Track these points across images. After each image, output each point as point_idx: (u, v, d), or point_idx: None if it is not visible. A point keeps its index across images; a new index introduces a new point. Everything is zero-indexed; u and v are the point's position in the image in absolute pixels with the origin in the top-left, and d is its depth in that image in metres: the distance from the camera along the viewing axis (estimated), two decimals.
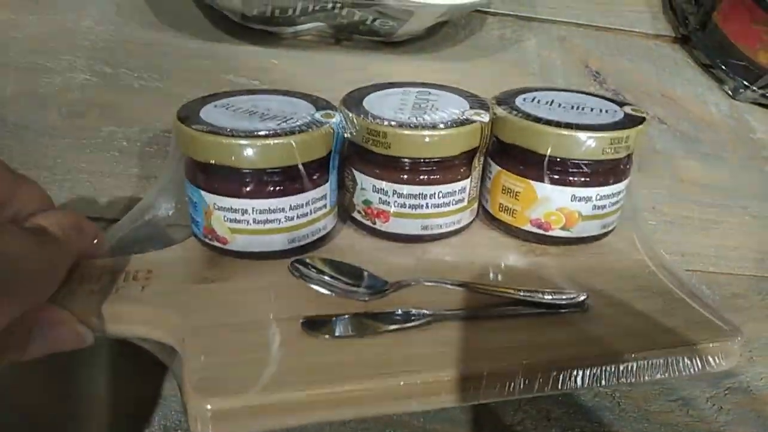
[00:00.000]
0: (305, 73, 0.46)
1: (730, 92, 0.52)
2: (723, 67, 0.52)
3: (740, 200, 0.47)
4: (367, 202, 0.35)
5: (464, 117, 0.34)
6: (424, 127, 0.32)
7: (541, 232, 0.36)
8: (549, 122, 0.34)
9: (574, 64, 0.51)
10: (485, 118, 0.34)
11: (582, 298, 0.31)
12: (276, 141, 0.30)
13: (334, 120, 0.32)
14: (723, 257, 0.45)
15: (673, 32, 0.55)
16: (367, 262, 0.33)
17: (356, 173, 0.35)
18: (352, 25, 0.44)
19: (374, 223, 0.36)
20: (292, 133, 0.30)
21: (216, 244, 0.33)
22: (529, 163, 0.35)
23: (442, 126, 0.33)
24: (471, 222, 0.38)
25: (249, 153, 0.29)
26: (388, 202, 0.34)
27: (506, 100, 0.37)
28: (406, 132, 0.32)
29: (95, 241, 0.30)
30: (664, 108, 0.50)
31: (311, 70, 0.46)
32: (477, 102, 0.36)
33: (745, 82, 0.51)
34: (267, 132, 0.30)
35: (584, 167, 0.34)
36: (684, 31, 0.54)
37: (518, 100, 0.37)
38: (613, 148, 0.33)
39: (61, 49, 0.43)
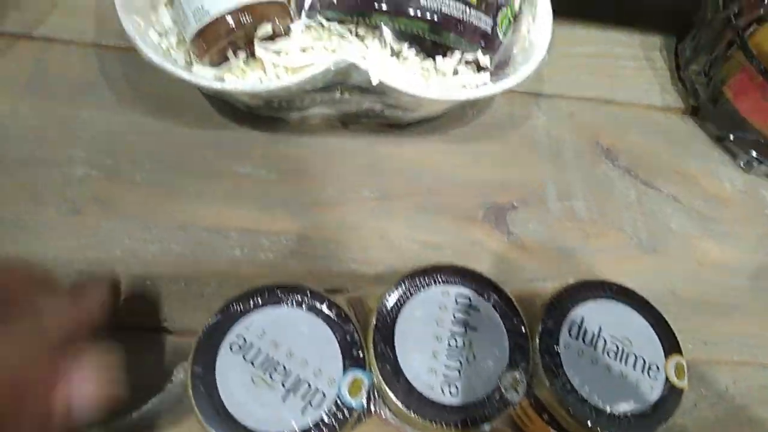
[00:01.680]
0: (312, 159, 0.45)
1: (743, 166, 0.51)
2: (735, 140, 0.51)
3: (760, 281, 0.46)
4: None
5: (498, 396, 0.30)
6: None
7: None
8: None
9: (585, 141, 0.50)
10: (516, 397, 0.30)
11: None
12: None
13: (360, 400, 0.29)
14: (747, 345, 0.44)
15: (683, 104, 0.54)
16: None
17: None
18: (360, 112, 0.43)
19: None
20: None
21: None
22: None
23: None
24: None
25: None
26: None
27: (551, 334, 0.33)
28: None
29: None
30: (677, 185, 0.49)
31: (318, 156, 0.45)
32: (517, 345, 0.32)
33: (759, 157, 0.50)
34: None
35: None
36: (694, 102, 0.53)
37: (563, 339, 0.33)
38: None
39: (59, 141, 0.42)
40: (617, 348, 0.32)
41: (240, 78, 0.36)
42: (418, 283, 0.32)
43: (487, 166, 0.47)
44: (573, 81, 0.53)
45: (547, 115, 0.51)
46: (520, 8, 0.38)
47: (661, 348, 0.33)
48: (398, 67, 0.37)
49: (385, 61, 0.37)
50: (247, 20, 0.35)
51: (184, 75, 0.34)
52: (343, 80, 0.35)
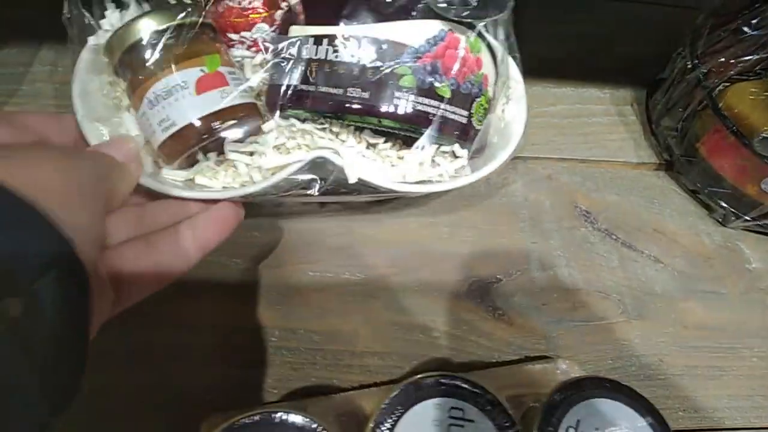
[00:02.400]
0: (289, 244, 0.43)
1: (719, 219, 0.52)
2: (710, 194, 0.51)
3: (745, 340, 0.46)
4: None
5: None
6: None
7: None
8: None
9: (564, 205, 0.50)
10: None
11: None
12: None
13: None
14: (735, 408, 0.44)
15: (657, 159, 0.54)
16: None
17: None
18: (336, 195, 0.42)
19: None
20: None
21: None
22: None
23: None
24: None
25: None
26: None
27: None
28: None
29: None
30: (657, 245, 0.49)
31: (295, 240, 0.44)
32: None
33: (735, 211, 0.50)
34: None
35: None
36: (667, 157, 0.53)
37: None
38: None
39: None
40: None
41: (212, 179, 0.35)
42: (409, 399, 0.31)
43: (468, 237, 0.47)
44: (548, 142, 0.53)
45: (524, 178, 0.51)
46: (494, 93, 0.38)
47: None
48: (375, 160, 0.36)
49: (361, 157, 0.36)
50: (217, 125, 0.33)
51: (153, 184, 0.32)
52: (319, 176, 0.34)
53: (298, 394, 0.39)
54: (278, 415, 0.30)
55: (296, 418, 0.29)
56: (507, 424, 0.31)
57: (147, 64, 0.33)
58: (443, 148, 0.37)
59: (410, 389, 0.32)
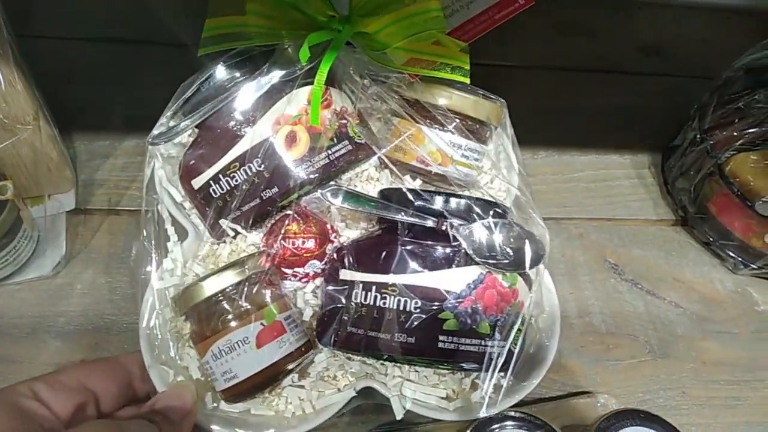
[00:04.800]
0: None
1: (731, 268, 0.60)
2: (721, 246, 0.59)
3: (758, 373, 0.54)
4: None
5: None
6: None
7: None
8: None
9: (595, 260, 0.58)
10: None
11: None
12: None
13: None
14: None
15: (673, 216, 0.62)
16: None
17: None
18: None
19: None
20: None
21: None
22: None
23: None
24: None
25: None
26: None
27: None
28: None
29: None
30: (677, 292, 0.57)
31: None
32: None
33: (744, 260, 0.58)
34: None
35: None
36: (682, 214, 0.62)
37: None
38: None
39: None
40: None
41: (264, 409, 0.39)
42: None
43: None
44: (578, 204, 0.61)
45: (560, 237, 0.59)
46: (529, 312, 0.39)
47: None
48: (418, 382, 0.39)
49: (405, 381, 0.39)
50: (277, 372, 0.37)
51: (214, 427, 0.37)
52: (364, 401, 0.40)
53: None
54: None
55: None
56: None
57: (212, 321, 0.36)
58: (484, 374, 0.37)
59: (484, 422, 0.40)
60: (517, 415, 0.40)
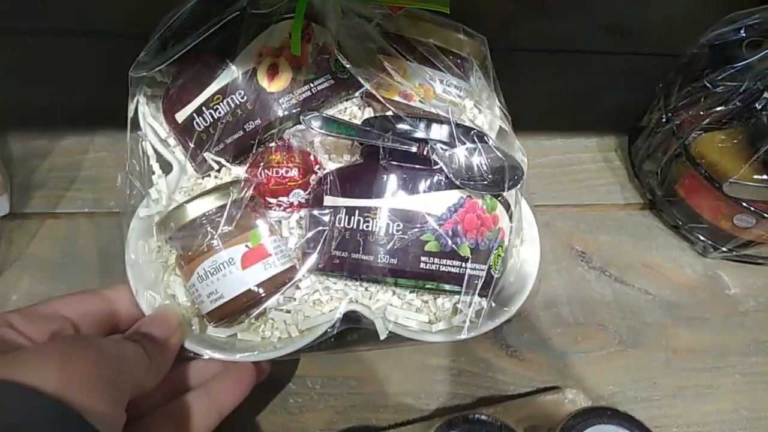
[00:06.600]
0: None
1: (700, 251, 0.58)
2: (690, 229, 0.57)
3: (728, 359, 0.52)
4: None
5: None
6: None
7: None
8: None
9: (562, 248, 0.56)
10: None
11: None
12: None
13: None
14: (723, 421, 0.50)
15: (641, 199, 0.61)
16: None
17: None
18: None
19: None
20: None
21: None
22: None
23: None
24: None
25: None
26: None
27: None
28: None
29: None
30: (646, 278, 0.56)
31: None
32: None
33: (713, 243, 0.57)
34: None
35: None
36: (650, 197, 0.60)
37: None
38: None
39: None
40: None
41: (253, 334, 0.39)
42: None
43: None
44: (544, 190, 0.59)
45: None
46: (509, 241, 0.41)
47: None
48: (401, 307, 0.40)
49: (390, 305, 0.40)
50: (261, 293, 0.37)
51: (197, 349, 0.37)
52: (350, 324, 0.39)
53: None
54: None
55: None
56: None
57: (196, 243, 0.37)
58: (465, 298, 0.40)
59: (443, 429, 0.38)
60: (483, 418, 0.38)
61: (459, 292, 0.38)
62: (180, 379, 0.37)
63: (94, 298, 0.37)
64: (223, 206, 0.38)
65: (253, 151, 0.42)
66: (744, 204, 0.52)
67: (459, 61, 0.46)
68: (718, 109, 0.54)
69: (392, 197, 0.36)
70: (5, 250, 0.49)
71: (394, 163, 0.37)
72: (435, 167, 0.37)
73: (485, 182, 0.37)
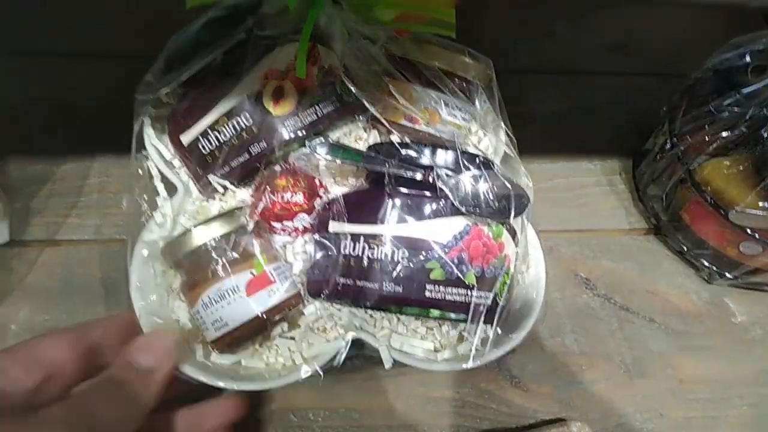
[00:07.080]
0: None
1: (705, 278, 0.57)
2: (697, 257, 0.57)
3: (735, 390, 0.52)
4: None
5: None
6: None
7: None
8: None
9: (566, 275, 0.55)
10: None
11: None
12: None
13: None
14: None
15: (646, 224, 0.60)
16: None
17: None
18: None
19: None
20: None
21: None
22: None
23: None
24: None
25: None
26: None
27: None
28: None
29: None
30: (651, 305, 0.55)
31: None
32: None
33: (719, 270, 0.56)
34: None
35: None
36: (655, 222, 0.59)
37: None
38: None
39: None
40: None
41: (255, 361, 0.39)
42: None
43: None
44: (547, 215, 0.58)
45: None
46: (515, 267, 0.40)
47: None
48: (406, 334, 0.40)
49: (394, 333, 0.40)
50: (266, 320, 0.37)
51: (202, 378, 0.36)
52: (352, 354, 0.38)
53: None
54: None
55: None
56: None
57: (202, 270, 0.37)
58: (470, 326, 0.38)
59: None
60: None
61: (464, 320, 0.37)
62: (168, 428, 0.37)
63: (69, 336, 0.35)
64: (230, 233, 0.37)
65: (259, 174, 0.42)
66: (750, 232, 0.51)
67: (464, 84, 0.47)
68: (724, 135, 0.53)
69: (397, 224, 0.36)
70: (4, 278, 0.49)
71: (400, 189, 0.37)
72: (441, 194, 0.36)
73: (491, 210, 0.37)
